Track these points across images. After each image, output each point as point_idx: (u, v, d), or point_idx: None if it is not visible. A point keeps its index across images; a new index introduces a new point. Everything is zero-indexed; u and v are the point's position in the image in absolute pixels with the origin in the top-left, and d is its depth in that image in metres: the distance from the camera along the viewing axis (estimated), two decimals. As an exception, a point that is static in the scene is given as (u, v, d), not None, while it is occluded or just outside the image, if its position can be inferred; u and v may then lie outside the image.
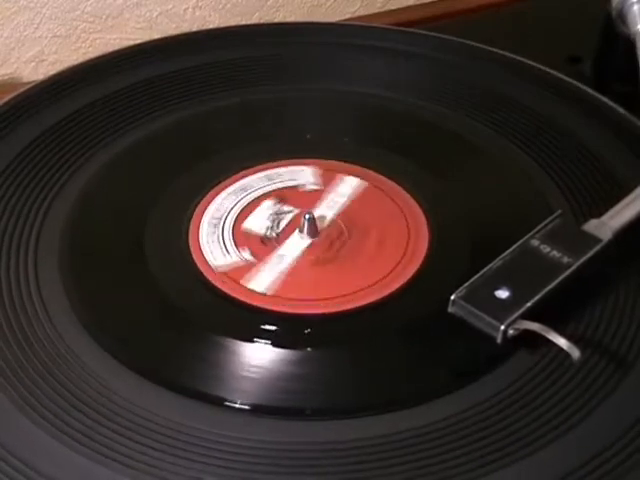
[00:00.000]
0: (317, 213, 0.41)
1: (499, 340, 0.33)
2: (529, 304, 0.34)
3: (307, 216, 0.40)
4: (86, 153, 0.45)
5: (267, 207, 0.42)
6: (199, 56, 0.52)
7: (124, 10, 0.63)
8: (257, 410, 0.33)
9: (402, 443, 0.32)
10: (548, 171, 0.44)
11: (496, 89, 0.50)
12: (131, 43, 0.55)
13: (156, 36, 0.59)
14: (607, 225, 0.38)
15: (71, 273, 0.38)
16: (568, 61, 0.56)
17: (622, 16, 0.50)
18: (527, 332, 0.33)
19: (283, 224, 0.41)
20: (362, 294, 0.37)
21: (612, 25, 0.51)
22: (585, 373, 0.34)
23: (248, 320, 0.36)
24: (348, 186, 0.43)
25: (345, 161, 0.44)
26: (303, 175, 0.44)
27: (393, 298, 0.37)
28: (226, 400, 0.33)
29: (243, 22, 0.67)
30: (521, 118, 0.48)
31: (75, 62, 0.52)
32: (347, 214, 0.41)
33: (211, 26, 0.66)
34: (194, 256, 0.39)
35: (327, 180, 0.43)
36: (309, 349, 0.35)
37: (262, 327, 0.36)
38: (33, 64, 0.63)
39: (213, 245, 0.40)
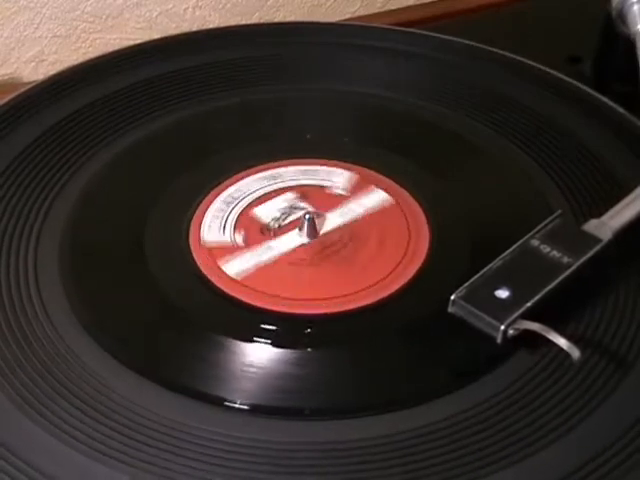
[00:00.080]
0: (328, 217, 0.41)
1: (499, 340, 0.33)
2: (529, 304, 0.34)
3: (307, 216, 0.40)
4: (86, 153, 0.45)
5: (285, 199, 0.42)
6: (199, 56, 0.52)
7: (124, 10, 0.63)
8: (257, 410, 0.33)
9: (402, 443, 0.32)
10: (548, 171, 0.44)
11: (496, 89, 0.50)
12: (131, 43, 0.55)
13: (156, 36, 0.59)
14: (607, 225, 0.38)
15: (71, 273, 0.38)
16: (568, 61, 0.56)
17: (622, 16, 0.50)
18: (527, 332, 0.33)
19: (290, 219, 0.41)
20: (363, 294, 0.37)
21: (612, 25, 0.51)
22: (585, 373, 0.34)
23: (248, 320, 0.36)
24: (373, 199, 0.42)
25: (345, 161, 0.44)
26: (338, 178, 0.43)
27: (393, 298, 0.37)
28: (226, 400, 0.33)
29: (243, 22, 0.67)
30: (521, 118, 0.48)
31: (75, 62, 0.52)
32: (355, 225, 0.41)
33: (211, 26, 0.66)
34: (194, 254, 0.39)
35: (357, 188, 0.43)
36: (309, 349, 0.35)
37: (262, 327, 0.36)
38: (33, 64, 0.63)
39: (215, 220, 0.40)
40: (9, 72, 0.62)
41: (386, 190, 0.43)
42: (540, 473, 0.31)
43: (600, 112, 0.47)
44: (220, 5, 0.66)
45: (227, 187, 0.42)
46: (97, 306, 0.37)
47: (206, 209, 0.42)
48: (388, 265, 0.38)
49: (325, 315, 0.36)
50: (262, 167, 0.44)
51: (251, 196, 0.42)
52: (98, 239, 0.40)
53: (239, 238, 0.40)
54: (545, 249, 0.36)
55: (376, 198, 0.42)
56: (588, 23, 0.56)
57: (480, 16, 0.63)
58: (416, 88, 0.50)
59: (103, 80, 0.50)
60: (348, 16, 0.70)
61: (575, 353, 0.32)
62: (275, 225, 0.41)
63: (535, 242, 0.37)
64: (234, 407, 0.33)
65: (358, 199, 0.42)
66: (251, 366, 0.34)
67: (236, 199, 0.41)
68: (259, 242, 0.40)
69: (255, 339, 0.35)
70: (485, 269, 0.35)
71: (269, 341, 0.35)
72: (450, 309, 0.34)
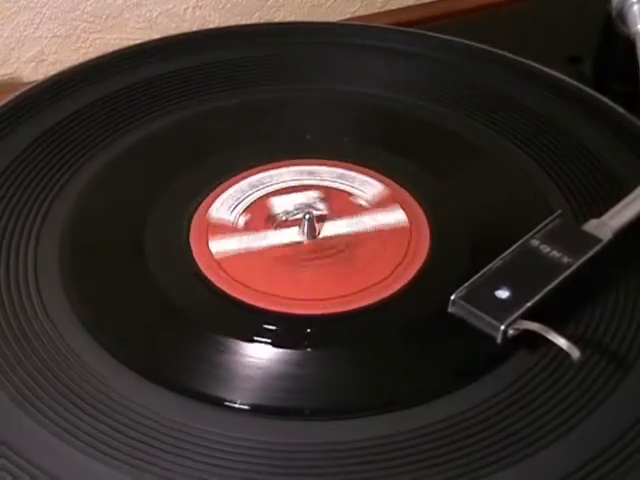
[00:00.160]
0: (336, 223, 0.41)
1: (499, 340, 0.33)
2: (529, 304, 0.34)
3: (307, 216, 0.40)
4: (87, 153, 0.45)
5: (306, 196, 0.42)
6: (199, 56, 0.52)
7: (124, 10, 0.63)
8: (257, 410, 0.33)
9: (402, 444, 0.32)
10: (548, 171, 0.44)
11: (496, 89, 0.50)
12: (131, 43, 0.55)
13: (156, 36, 0.59)
14: (607, 225, 0.38)
15: (71, 273, 0.38)
16: (568, 61, 0.56)
17: (622, 16, 0.50)
18: (527, 332, 0.33)
19: (299, 216, 0.41)
20: (364, 294, 0.37)
21: (612, 25, 0.51)
22: (585, 373, 0.34)
23: (248, 320, 0.36)
24: (389, 218, 0.41)
25: (345, 161, 0.44)
26: (369, 188, 0.43)
27: (394, 299, 0.37)
28: (226, 400, 0.33)
29: (243, 22, 0.67)
30: (521, 118, 0.48)
31: (75, 62, 0.52)
32: (357, 237, 0.40)
33: (211, 26, 0.66)
34: (194, 253, 0.39)
35: (380, 204, 0.42)
36: (309, 349, 0.35)
37: (262, 327, 0.36)
38: (33, 64, 0.63)
39: (230, 200, 0.40)
40: (9, 72, 0.62)
41: (406, 211, 0.41)
42: (540, 473, 0.31)
43: (600, 112, 0.47)
44: (220, 5, 0.66)
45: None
46: (97, 306, 0.37)
47: (228, 188, 0.42)
48: (389, 265, 0.38)
49: (325, 315, 0.36)
50: (301, 161, 0.44)
51: (278, 185, 0.42)
52: (98, 239, 0.40)
53: (242, 220, 0.40)
54: (545, 249, 0.36)
55: (393, 217, 0.41)
56: (588, 23, 0.56)
57: (480, 16, 0.63)
58: (416, 88, 0.50)
59: (103, 80, 0.50)
60: (348, 16, 0.70)
61: (575, 353, 0.32)
62: (283, 218, 0.41)
63: (535, 242, 0.37)
64: (234, 407, 0.33)
65: (375, 214, 0.41)
66: (251, 366, 0.34)
67: (263, 184, 0.42)
68: (258, 229, 0.40)
69: (255, 339, 0.35)
70: (485, 269, 0.35)
71: (269, 341, 0.35)
72: (450, 309, 0.34)
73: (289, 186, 0.43)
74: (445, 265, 0.39)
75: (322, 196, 0.42)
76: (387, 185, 0.43)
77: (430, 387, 0.34)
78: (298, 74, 0.51)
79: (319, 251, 0.39)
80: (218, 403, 0.33)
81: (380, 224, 0.41)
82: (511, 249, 0.36)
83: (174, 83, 0.50)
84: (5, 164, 0.44)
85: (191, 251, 0.39)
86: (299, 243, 0.40)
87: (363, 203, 0.42)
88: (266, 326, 0.36)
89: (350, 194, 0.43)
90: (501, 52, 0.52)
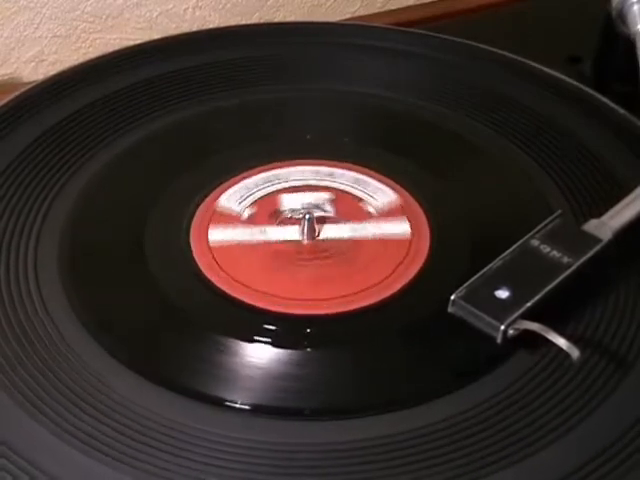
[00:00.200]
0: (338, 227, 0.41)
1: (499, 340, 0.33)
2: (529, 304, 0.34)
3: (308, 216, 0.40)
4: (87, 153, 0.45)
5: (316, 197, 0.42)
6: (199, 56, 0.52)
7: (124, 10, 0.63)
8: (257, 410, 0.33)
9: (402, 444, 0.32)
10: (548, 171, 0.44)
11: (496, 89, 0.50)
12: (131, 43, 0.55)
13: (156, 36, 0.59)
14: (607, 225, 0.38)
15: (71, 273, 0.38)
16: (568, 61, 0.56)
17: (622, 16, 0.50)
18: (527, 332, 0.33)
19: (304, 215, 0.41)
20: (364, 294, 0.37)
21: (612, 25, 0.51)
22: (585, 373, 0.34)
23: (248, 320, 0.36)
24: (394, 229, 0.41)
25: (345, 161, 0.44)
26: (382, 196, 0.42)
27: (394, 299, 0.37)
28: (226, 400, 0.33)
29: (243, 22, 0.67)
30: (521, 118, 0.48)
31: (75, 62, 0.52)
32: (357, 243, 0.40)
33: (211, 26, 0.66)
34: (194, 253, 0.39)
35: (390, 212, 0.42)
36: (309, 349, 0.35)
37: (262, 327, 0.36)
38: (33, 64, 0.63)
39: (241, 190, 0.41)
40: (9, 72, 0.62)
41: (412, 223, 0.41)
42: (540, 473, 0.31)
43: (600, 112, 0.47)
44: (220, 5, 0.66)
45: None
46: (97, 306, 0.37)
47: (242, 180, 0.42)
48: (389, 265, 0.38)
49: (326, 315, 0.36)
50: (321, 162, 0.44)
51: (292, 182, 0.42)
52: (98, 239, 0.40)
53: (247, 213, 0.40)
54: (545, 249, 0.36)
55: (397, 229, 0.41)
56: (588, 23, 0.56)
57: (480, 16, 0.63)
58: (416, 88, 0.50)
59: (103, 80, 0.50)
60: (348, 16, 0.70)
61: (575, 353, 0.32)
62: (288, 215, 0.41)
63: (535, 242, 0.37)
64: (234, 407, 0.33)
65: (380, 223, 0.41)
66: (251, 366, 0.34)
67: (278, 180, 0.42)
68: (259, 223, 0.40)
69: (255, 339, 0.35)
70: (485, 269, 0.35)
71: (269, 341, 0.35)
72: (450, 309, 0.34)
73: (304, 184, 0.43)
74: (445, 265, 0.39)
75: (332, 198, 0.42)
76: (399, 194, 0.43)
77: (430, 387, 0.34)
78: (298, 74, 0.51)
79: (316, 252, 0.39)
80: (218, 403, 0.33)
81: (383, 233, 0.40)
82: (511, 249, 0.36)
83: (174, 83, 0.50)
84: (5, 164, 0.44)
85: (191, 251, 0.39)
86: (296, 242, 0.40)
87: (371, 210, 0.42)
88: (266, 326, 0.36)
89: (361, 199, 0.42)
90: (501, 52, 0.52)
